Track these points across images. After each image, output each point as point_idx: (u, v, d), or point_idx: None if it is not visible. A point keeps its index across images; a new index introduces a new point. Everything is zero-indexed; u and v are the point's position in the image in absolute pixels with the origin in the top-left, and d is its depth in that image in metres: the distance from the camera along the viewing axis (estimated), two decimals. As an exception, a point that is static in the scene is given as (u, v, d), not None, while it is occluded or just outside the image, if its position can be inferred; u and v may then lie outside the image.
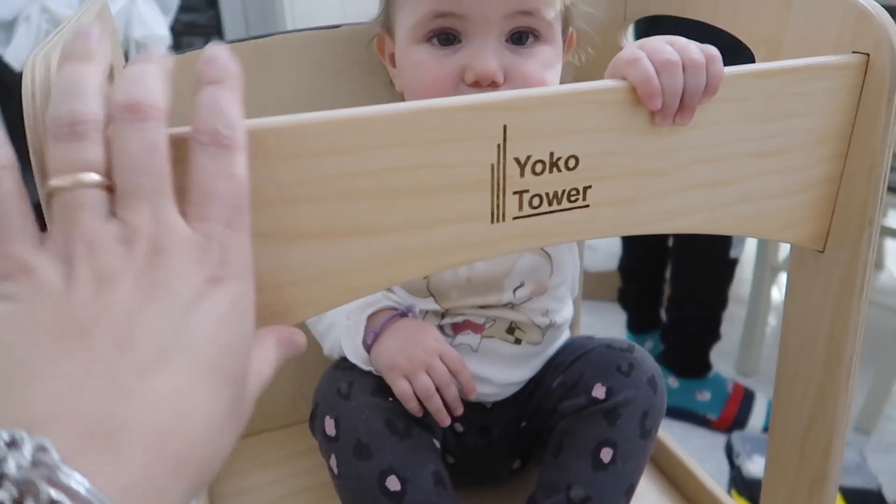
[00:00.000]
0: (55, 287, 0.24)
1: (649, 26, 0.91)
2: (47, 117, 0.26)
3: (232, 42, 0.61)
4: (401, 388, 0.56)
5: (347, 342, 0.60)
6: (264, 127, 0.31)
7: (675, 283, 1.43)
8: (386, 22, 0.57)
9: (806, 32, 0.46)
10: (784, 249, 1.54)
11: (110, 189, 0.26)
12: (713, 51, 0.38)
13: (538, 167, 0.36)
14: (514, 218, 0.37)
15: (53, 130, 0.26)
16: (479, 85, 0.49)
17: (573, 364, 0.61)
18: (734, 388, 1.41)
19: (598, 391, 0.57)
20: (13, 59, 1.54)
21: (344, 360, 0.60)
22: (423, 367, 0.56)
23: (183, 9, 1.75)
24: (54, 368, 0.23)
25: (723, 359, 1.54)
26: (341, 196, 0.34)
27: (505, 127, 0.35)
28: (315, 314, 0.36)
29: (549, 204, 0.37)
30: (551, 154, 0.36)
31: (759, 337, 1.52)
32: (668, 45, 0.39)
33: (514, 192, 0.37)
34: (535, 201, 0.37)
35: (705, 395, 1.41)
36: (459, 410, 0.58)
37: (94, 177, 0.26)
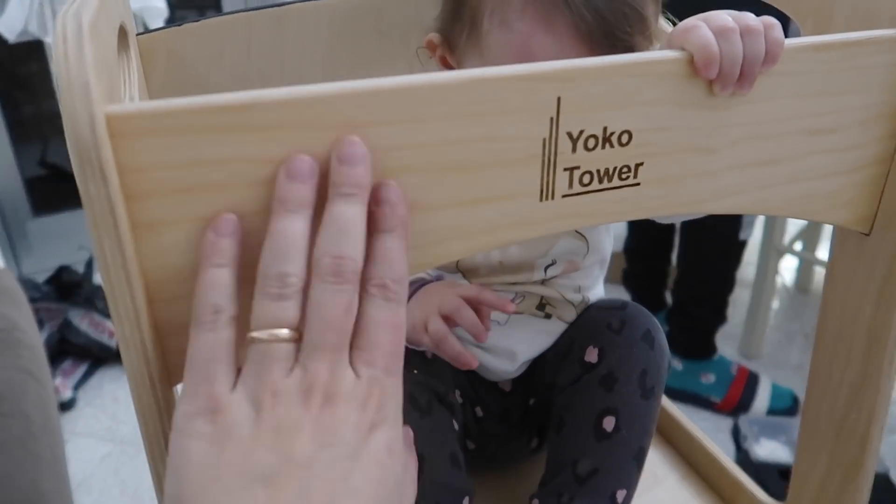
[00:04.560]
0: (243, 431, 0.27)
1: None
2: (259, 273, 0.29)
3: (247, 11, 0.59)
4: (433, 327, 0.52)
5: None
6: (306, 96, 0.29)
7: (683, 265, 1.42)
8: (446, 34, 0.52)
9: (858, 5, 0.44)
10: (790, 232, 1.53)
11: (298, 337, 0.29)
12: (771, 19, 0.37)
13: (591, 142, 0.34)
14: (564, 196, 0.35)
15: (263, 288, 0.29)
16: None
17: (565, 331, 0.60)
18: (738, 371, 1.41)
19: (591, 355, 0.56)
20: (6, 29, 1.50)
21: None
22: (435, 309, 0.52)
23: (179, -19, 1.71)
24: None
25: (726, 341, 1.53)
26: (385, 171, 0.32)
27: (559, 99, 0.33)
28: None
29: (600, 181, 0.36)
30: (604, 129, 0.34)
31: (762, 320, 1.52)
32: (725, 14, 0.37)
33: (565, 169, 0.35)
34: (586, 178, 0.35)
35: (709, 378, 1.41)
36: (483, 337, 0.53)
37: (288, 332, 0.29)
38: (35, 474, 0.81)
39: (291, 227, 0.29)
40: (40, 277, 1.64)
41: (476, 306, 0.53)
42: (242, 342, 0.29)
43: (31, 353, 1.00)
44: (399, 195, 0.31)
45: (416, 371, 0.55)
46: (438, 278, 0.58)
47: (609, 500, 0.54)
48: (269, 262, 0.29)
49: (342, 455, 0.28)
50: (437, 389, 0.56)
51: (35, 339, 1.05)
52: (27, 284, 1.56)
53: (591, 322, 0.58)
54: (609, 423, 0.54)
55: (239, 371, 0.29)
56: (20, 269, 1.82)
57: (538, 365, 0.61)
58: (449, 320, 0.53)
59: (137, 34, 0.54)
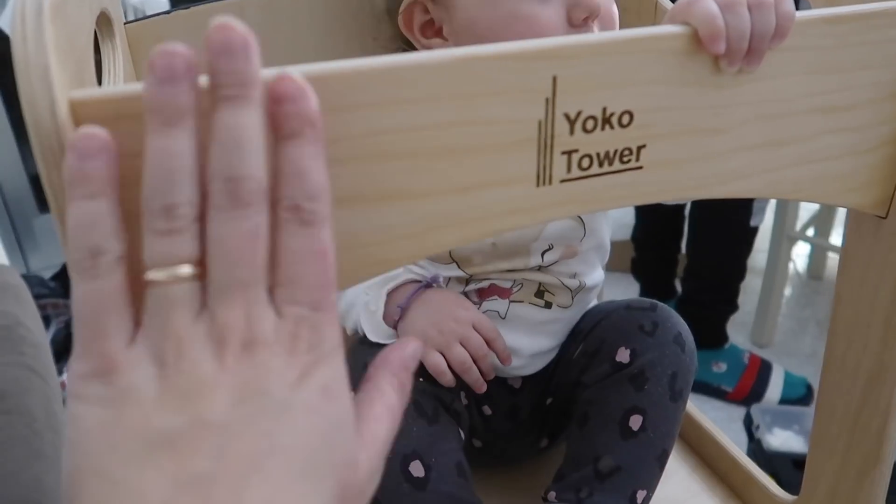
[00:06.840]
0: (144, 392, 0.24)
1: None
2: (142, 204, 0.24)
3: (239, -3, 0.57)
4: (433, 361, 0.53)
5: (367, 319, 0.56)
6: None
7: (693, 252, 1.40)
8: None
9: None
10: (802, 218, 1.51)
11: (203, 273, 0.25)
12: None
13: (589, 124, 0.33)
14: (562, 181, 0.34)
15: (148, 220, 0.24)
16: (588, 22, 0.47)
17: (593, 330, 0.58)
18: (750, 360, 1.39)
19: (622, 355, 0.55)
20: (8, 27, 1.49)
21: None
22: (456, 338, 0.54)
23: (181, -27, 1.70)
24: (144, 486, 0.23)
25: (737, 330, 1.51)
26: (372, 157, 0.30)
27: (555, 78, 0.31)
28: (345, 287, 0.33)
29: (600, 165, 0.34)
30: (604, 109, 0.33)
31: (774, 307, 1.49)
32: None
33: (563, 152, 0.33)
34: (585, 162, 0.34)
35: (721, 367, 1.39)
36: (491, 375, 0.56)
37: (189, 269, 0.24)
38: (38, 472, 0.80)
39: (172, 146, 0.24)
40: (47, 274, 1.64)
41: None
42: (139, 288, 0.25)
43: (35, 350, 0.99)
44: (301, 87, 0.25)
45: (421, 379, 0.54)
46: (433, 278, 0.57)
47: (629, 499, 0.53)
48: (151, 191, 0.24)
49: (265, 409, 0.24)
50: (442, 397, 0.54)
51: (40, 335, 1.04)
52: (34, 281, 1.55)
53: (621, 323, 0.56)
54: (636, 421, 0.53)
55: (140, 323, 0.25)
56: (27, 265, 1.82)
57: (563, 364, 0.60)
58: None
59: (126, 22, 0.53)
